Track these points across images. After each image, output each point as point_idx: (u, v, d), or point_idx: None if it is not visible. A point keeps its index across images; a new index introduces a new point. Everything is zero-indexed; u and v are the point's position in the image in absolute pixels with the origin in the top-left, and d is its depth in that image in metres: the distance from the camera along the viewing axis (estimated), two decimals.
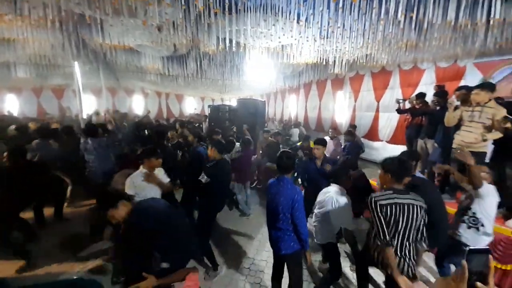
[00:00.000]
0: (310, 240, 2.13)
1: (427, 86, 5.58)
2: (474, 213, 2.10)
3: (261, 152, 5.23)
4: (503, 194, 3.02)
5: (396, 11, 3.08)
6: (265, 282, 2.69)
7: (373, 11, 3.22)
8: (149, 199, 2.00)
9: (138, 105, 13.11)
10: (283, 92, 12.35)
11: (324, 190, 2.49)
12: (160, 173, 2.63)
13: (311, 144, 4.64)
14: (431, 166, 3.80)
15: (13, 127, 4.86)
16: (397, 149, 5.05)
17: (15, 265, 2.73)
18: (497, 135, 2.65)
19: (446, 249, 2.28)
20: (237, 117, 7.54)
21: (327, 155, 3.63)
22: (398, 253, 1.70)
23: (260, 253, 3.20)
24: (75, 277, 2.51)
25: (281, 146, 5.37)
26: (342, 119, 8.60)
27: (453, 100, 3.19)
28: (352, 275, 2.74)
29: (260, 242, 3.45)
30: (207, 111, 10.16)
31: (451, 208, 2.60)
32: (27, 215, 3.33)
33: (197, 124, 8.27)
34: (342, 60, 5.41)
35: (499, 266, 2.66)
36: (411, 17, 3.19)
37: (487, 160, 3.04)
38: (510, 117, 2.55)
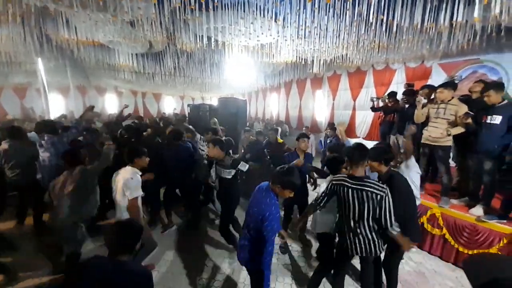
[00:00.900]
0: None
1: (398, 85, 5.93)
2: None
3: (242, 151, 5.19)
4: (466, 185, 3.32)
5: (368, 14, 3.22)
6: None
7: (347, 12, 3.34)
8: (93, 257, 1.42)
9: (111, 105, 12.40)
10: (265, 91, 12.38)
11: (329, 178, 2.43)
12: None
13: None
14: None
15: None
16: (372, 145, 5.28)
17: None
18: (460, 130, 2.85)
19: None
20: (218, 117, 7.40)
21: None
22: (352, 230, 1.93)
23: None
24: None
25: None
26: (322, 117, 8.86)
27: (421, 98, 3.40)
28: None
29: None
30: (187, 111, 9.88)
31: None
32: (27, 220, 3.50)
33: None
34: (320, 60, 5.52)
35: (465, 251, 2.87)
36: (382, 20, 3.34)
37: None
38: (471, 113, 2.75)
